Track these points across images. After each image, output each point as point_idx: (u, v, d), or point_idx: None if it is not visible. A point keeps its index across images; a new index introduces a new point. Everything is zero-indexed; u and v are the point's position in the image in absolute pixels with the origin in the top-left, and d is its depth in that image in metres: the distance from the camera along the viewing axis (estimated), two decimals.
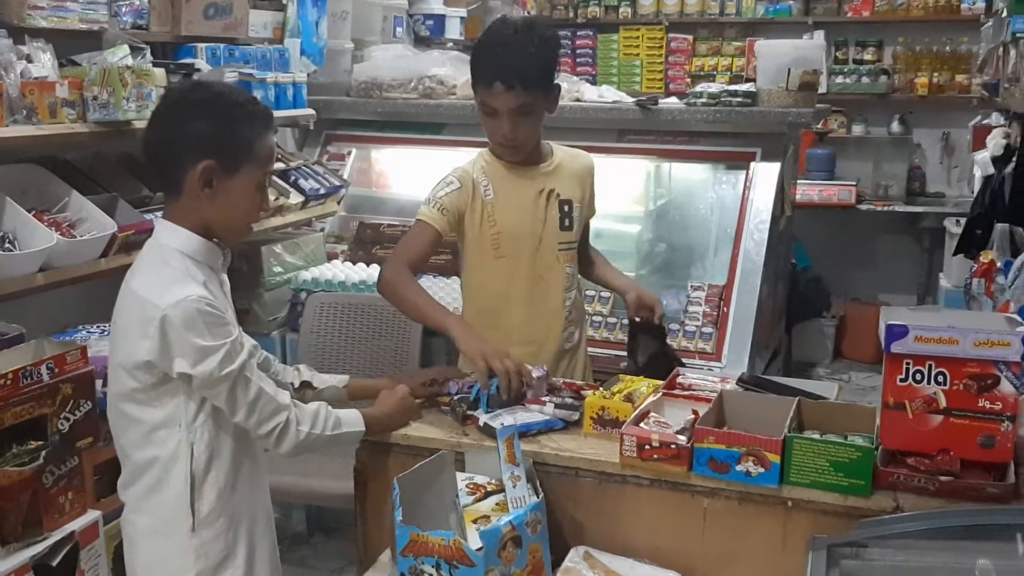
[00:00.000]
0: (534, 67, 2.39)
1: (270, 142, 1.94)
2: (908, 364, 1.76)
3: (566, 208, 2.58)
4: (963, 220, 4.76)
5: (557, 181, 2.58)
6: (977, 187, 4.62)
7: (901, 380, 1.77)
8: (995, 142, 4.39)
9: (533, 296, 2.56)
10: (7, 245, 2.50)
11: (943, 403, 1.75)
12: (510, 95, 2.38)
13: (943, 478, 1.76)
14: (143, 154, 2.00)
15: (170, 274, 1.83)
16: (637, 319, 2.62)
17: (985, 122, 5.22)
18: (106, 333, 2.71)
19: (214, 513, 1.90)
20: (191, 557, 1.88)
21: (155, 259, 1.88)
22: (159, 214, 2.64)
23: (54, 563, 2.23)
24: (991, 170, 4.31)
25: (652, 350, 2.59)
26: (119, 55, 2.84)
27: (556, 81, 2.49)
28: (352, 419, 2.05)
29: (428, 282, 3.66)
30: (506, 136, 2.45)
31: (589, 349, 2.87)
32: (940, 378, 1.74)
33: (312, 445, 1.98)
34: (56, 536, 2.25)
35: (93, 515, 2.36)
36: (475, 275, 2.59)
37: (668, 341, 2.80)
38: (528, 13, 6.68)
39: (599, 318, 3.71)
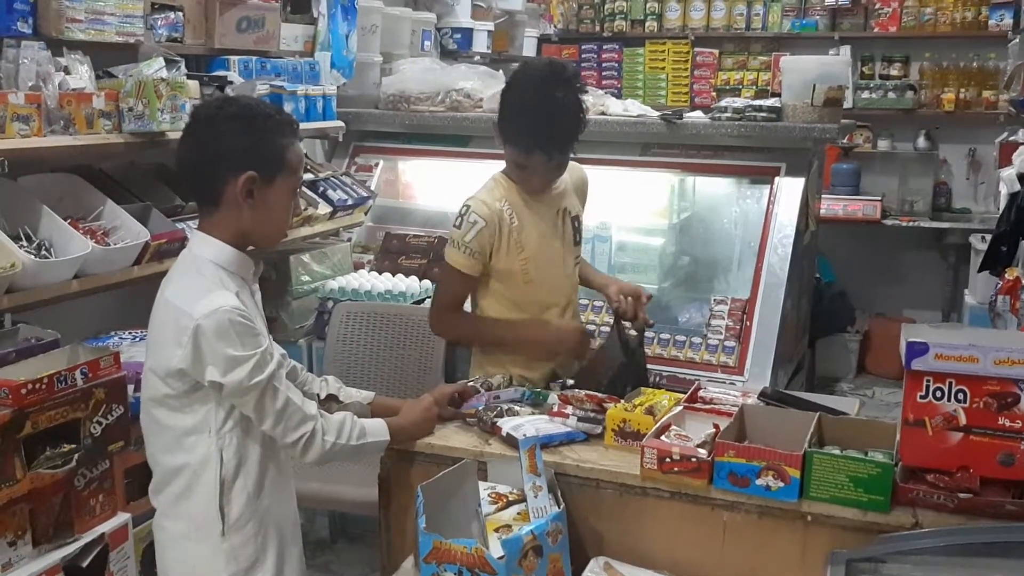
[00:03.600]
0: (572, 134, 2.41)
1: (299, 150, 2.00)
2: (928, 381, 1.77)
3: (576, 224, 2.61)
4: (989, 237, 4.73)
5: (567, 199, 2.60)
6: (1003, 204, 4.59)
7: (921, 397, 1.78)
8: (1021, 159, 4.35)
9: (553, 313, 2.58)
10: (44, 252, 2.55)
11: (963, 420, 1.76)
12: (551, 162, 2.42)
13: (962, 495, 1.77)
14: (180, 170, 2.06)
15: (203, 284, 1.87)
16: (619, 303, 2.58)
17: (1012, 139, 5.18)
18: (138, 339, 2.75)
19: (243, 518, 1.93)
20: (222, 561, 1.92)
21: (189, 269, 1.93)
22: (192, 224, 2.70)
23: (84, 564, 2.27)
24: (1017, 187, 4.28)
25: (618, 361, 2.56)
26: (154, 67, 2.90)
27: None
28: (377, 429, 2.09)
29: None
30: (539, 189, 2.50)
31: None
32: (960, 396, 1.76)
33: (337, 455, 2.02)
34: (87, 538, 2.30)
35: (123, 517, 2.40)
36: (501, 301, 2.55)
37: (646, 349, 2.75)
38: (555, 27, 6.72)
39: None
